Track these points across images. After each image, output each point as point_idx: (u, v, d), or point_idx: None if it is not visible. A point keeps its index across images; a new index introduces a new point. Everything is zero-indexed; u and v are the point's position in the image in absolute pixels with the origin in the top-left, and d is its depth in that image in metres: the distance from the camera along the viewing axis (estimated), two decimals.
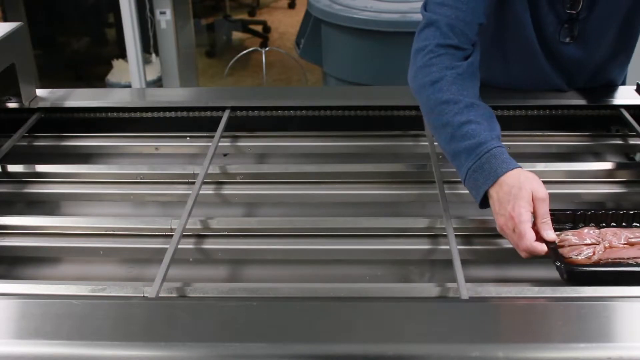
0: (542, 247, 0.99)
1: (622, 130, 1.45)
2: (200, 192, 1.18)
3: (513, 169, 1.04)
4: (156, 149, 1.46)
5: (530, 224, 1.00)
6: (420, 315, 0.84)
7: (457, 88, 1.13)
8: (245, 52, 4.15)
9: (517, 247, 1.01)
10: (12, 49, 1.42)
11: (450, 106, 1.11)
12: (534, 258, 0.99)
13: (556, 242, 1.01)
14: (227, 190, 1.28)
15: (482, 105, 1.14)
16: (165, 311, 0.85)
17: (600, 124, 1.47)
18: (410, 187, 1.27)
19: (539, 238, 1.00)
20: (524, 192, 1.01)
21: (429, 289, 1.00)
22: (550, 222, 1.01)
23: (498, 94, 1.51)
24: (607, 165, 1.33)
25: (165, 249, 1.01)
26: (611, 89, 1.48)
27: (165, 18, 3.70)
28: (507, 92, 1.53)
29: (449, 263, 0.99)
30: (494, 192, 1.04)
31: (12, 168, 1.33)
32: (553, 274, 0.98)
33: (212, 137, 1.36)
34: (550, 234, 1.00)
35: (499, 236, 1.12)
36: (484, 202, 1.06)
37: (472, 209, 1.27)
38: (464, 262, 0.98)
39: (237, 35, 5.49)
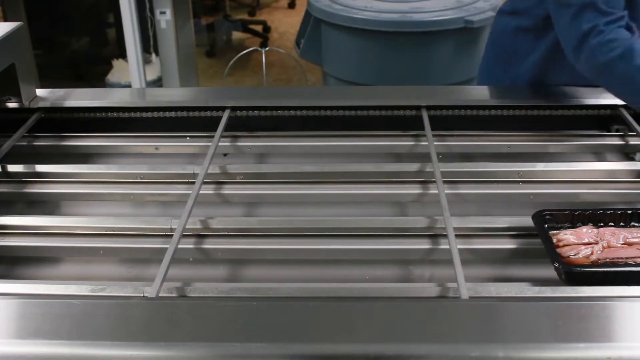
0: None
1: (622, 130, 1.45)
2: (200, 192, 1.18)
3: None
4: (156, 149, 1.46)
5: None
6: (420, 315, 0.84)
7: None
8: (245, 52, 4.15)
9: None
10: (12, 49, 1.42)
11: None
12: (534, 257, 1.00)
13: None
14: (227, 190, 1.28)
15: None
16: (165, 311, 0.85)
17: (600, 124, 1.48)
18: (410, 187, 1.27)
19: None
20: None
21: (429, 289, 1.00)
22: None
23: (498, 94, 1.51)
24: (607, 166, 1.33)
25: (165, 249, 1.01)
26: None
27: (165, 18, 3.70)
28: (507, 92, 1.53)
29: (449, 263, 0.99)
30: None
31: (12, 168, 1.33)
32: (553, 273, 0.98)
33: (212, 137, 1.36)
34: None
35: (499, 236, 1.13)
36: None
37: (472, 208, 1.28)
38: (464, 262, 0.98)
39: (237, 35, 5.49)
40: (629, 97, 1.34)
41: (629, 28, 1.32)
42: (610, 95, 1.45)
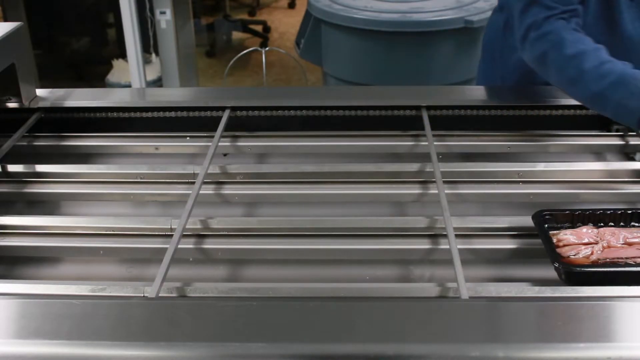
0: None
1: (622, 130, 1.45)
2: (200, 192, 1.18)
3: None
4: (156, 149, 1.46)
5: None
6: (420, 315, 0.84)
7: (576, 39, 1.27)
8: (245, 52, 4.15)
9: None
10: (12, 49, 1.42)
11: (579, 57, 1.24)
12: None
13: None
14: (227, 190, 1.28)
15: (602, 47, 1.26)
16: (165, 311, 0.85)
17: (601, 124, 1.47)
18: (410, 187, 1.27)
19: None
20: None
21: (429, 289, 1.00)
22: None
23: (498, 94, 1.51)
24: (607, 166, 1.33)
25: (165, 249, 1.01)
26: None
27: (165, 18, 3.70)
28: (507, 92, 1.53)
29: (449, 263, 0.99)
30: None
31: (12, 168, 1.33)
32: (553, 273, 0.98)
33: (212, 137, 1.36)
34: None
35: (499, 236, 1.13)
36: None
37: (472, 208, 1.28)
38: (464, 262, 0.98)
39: (237, 35, 5.50)
40: (564, 87, 1.33)
41: (578, 23, 1.32)
42: None
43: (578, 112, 1.46)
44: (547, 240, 1.01)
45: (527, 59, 1.37)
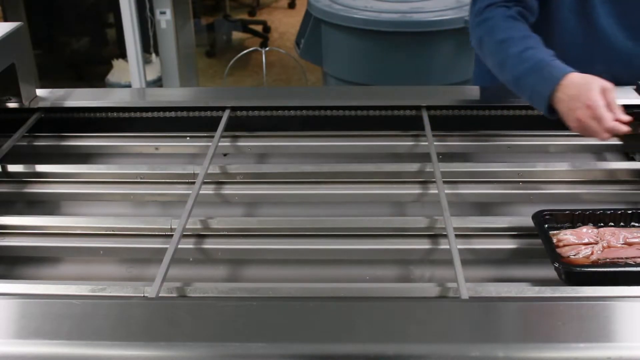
0: (622, 126, 1.11)
1: None
2: (200, 192, 1.18)
3: (572, 72, 1.17)
4: (156, 149, 1.46)
5: (606, 109, 1.11)
6: (420, 315, 0.84)
7: (509, 26, 1.30)
8: (245, 52, 4.15)
9: (597, 133, 1.12)
10: (12, 49, 1.42)
11: (507, 42, 1.28)
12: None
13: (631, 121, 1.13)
14: (227, 190, 1.28)
15: (534, 35, 1.29)
16: (165, 311, 0.85)
17: None
18: (410, 187, 1.27)
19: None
20: (594, 85, 1.13)
21: (429, 289, 1.00)
22: (620, 107, 1.13)
23: (498, 94, 1.51)
24: (607, 165, 1.33)
25: (165, 249, 1.01)
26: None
27: (165, 18, 3.70)
28: (507, 91, 1.53)
29: (449, 263, 0.99)
30: (561, 94, 1.16)
31: (12, 168, 1.33)
32: (553, 273, 0.98)
33: (212, 137, 1.36)
34: (624, 116, 1.12)
35: (499, 236, 1.13)
36: (552, 110, 1.19)
37: (472, 209, 1.28)
38: (464, 262, 0.98)
39: (237, 35, 5.49)
40: (495, 72, 1.34)
41: (522, 13, 1.34)
42: None
43: None
44: (547, 240, 1.01)
45: (472, 44, 1.41)
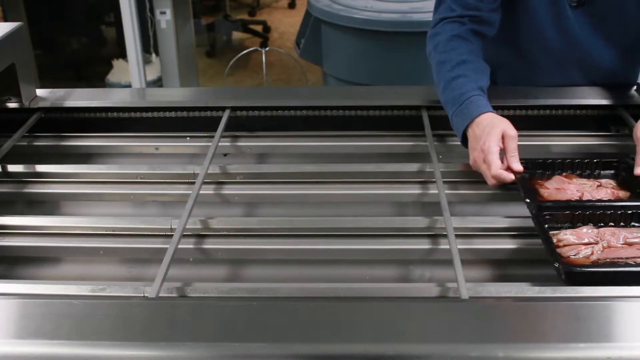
0: (509, 175, 1.16)
1: (621, 130, 1.45)
2: (200, 192, 1.18)
3: (487, 112, 1.22)
4: (156, 149, 1.46)
5: (497, 156, 1.16)
6: (420, 315, 0.84)
7: (451, 47, 1.33)
8: (245, 52, 4.16)
9: (486, 177, 1.18)
10: (12, 49, 1.42)
11: (445, 65, 1.32)
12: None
13: (521, 172, 1.17)
14: (227, 190, 1.28)
15: (474, 60, 1.32)
16: (165, 311, 0.85)
17: (600, 124, 1.47)
18: (410, 187, 1.27)
19: (509, 170, 1.17)
20: (496, 130, 1.18)
21: (429, 289, 1.00)
22: (517, 156, 1.18)
23: (498, 94, 1.51)
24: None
25: (165, 249, 1.01)
26: (611, 88, 1.48)
27: (165, 18, 3.70)
28: (507, 92, 1.53)
29: (449, 263, 0.99)
30: (470, 131, 1.23)
31: (12, 168, 1.33)
32: (553, 273, 0.98)
33: (212, 137, 1.36)
34: (517, 165, 1.17)
35: (499, 236, 1.13)
36: (465, 142, 1.25)
37: (472, 208, 1.28)
38: (464, 262, 0.98)
39: (237, 35, 5.50)
40: (437, 86, 1.37)
41: (474, 30, 1.36)
42: (610, 95, 1.46)
43: (578, 112, 1.47)
44: (547, 240, 1.01)
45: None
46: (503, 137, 1.18)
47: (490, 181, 1.17)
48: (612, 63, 1.46)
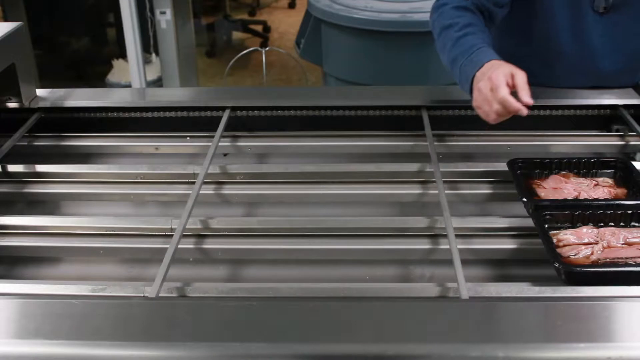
0: (516, 102, 1.12)
1: (622, 130, 1.45)
2: (200, 192, 1.18)
3: (496, 59, 1.21)
4: (156, 149, 1.46)
5: (505, 84, 1.13)
6: (420, 315, 0.84)
7: (457, 14, 1.34)
8: (245, 52, 4.15)
9: (490, 104, 1.15)
10: (12, 49, 1.42)
11: (452, 27, 1.32)
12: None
13: (530, 105, 1.14)
14: (227, 190, 1.28)
15: (480, 25, 1.34)
16: (165, 311, 0.85)
17: (600, 124, 1.48)
18: (410, 187, 1.27)
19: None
20: (504, 67, 1.17)
21: (429, 289, 1.00)
22: (528, 91, 1.14)
23: None
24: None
25: (165, 249, 1.01)
26: (611, 88, 1.48)
27: (165, 18, 3.70)
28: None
29: (449, 263, 0.99)
30: (479, 73, 1.21)
31: (12, 168, 1.33)
32: (553, 273, 0.98)
33: (212, 137, 1.36)
34: (528, 98, 1.13)
35: (499, 236, 1.13)
36: (471, 91, 1.23)
37: (472, 208, 1.28)
38: (464, 262, 0.98)
39: (237, 35, 5.49)
40: (440, 55, 1.38)
41: (478, 6, 1.38)
42: (610, 95, 1.46)
43: (578, 112, 1.47)
44: (547, 240, 1.01)
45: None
46: (512, 75, 1.15)
47: (494, 111, 1.15)
48: (618, 70, 1.47)
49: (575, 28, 1.42)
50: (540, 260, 1.05)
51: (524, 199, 1.11)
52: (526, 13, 1.44)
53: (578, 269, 0.96)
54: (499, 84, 1.13)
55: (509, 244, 1.11)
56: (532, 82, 1.47)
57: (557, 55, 1.46)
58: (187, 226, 1.10)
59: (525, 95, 1.13)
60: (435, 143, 1.34)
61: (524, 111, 1.12)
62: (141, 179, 1.30)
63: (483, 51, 1.25)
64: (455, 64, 1.29)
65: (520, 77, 1.15)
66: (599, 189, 1.16)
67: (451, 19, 1.35)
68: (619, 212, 1.08)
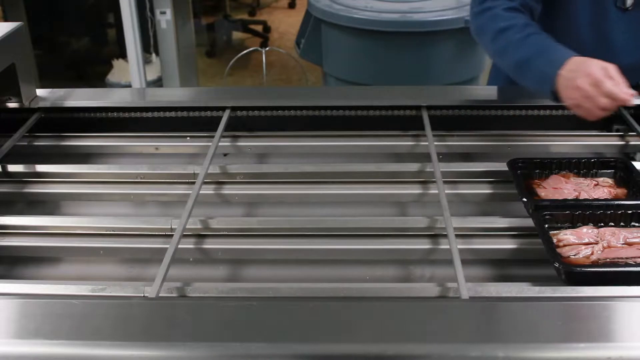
0: (623, 92, 1.11)
1: (622, 130, 1.45)
2: (200, 192, 1.18)
3: (575, 55, 1.19)
4: (156, 148, 1.46)
5: (608, 78, 1.12)
6: (420, 315, 0.84)
7: (511, 16, 1.33)
8: (245, 52, 4.15)
9: (594, 99, 1.13)
10: (12, 49, 1.42)
11: (510, 29, 1.31)
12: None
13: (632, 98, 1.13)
14: (227, 190, 1.28)
15: (535, 24, 1.33)
16: (165, 311, 0.85)
17: (601, 124, 1.47)
18: (410, 187, 1.27)
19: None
20: (595, 61, 1.15)
21: (429, 289, 1.00)
22: (624, 83, 1.13)
23: (499, 94, 1.51)
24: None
25: (165, 249, 1.01)
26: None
27: (165, 18, 3.70)
28: (508, 91, 1.53)
29: (449, 263, 0.99)
30: (563, 72, 1.18)
31: (12, 168, 1.33)
32: (553, 273, 0.98)
33: (212, 137, 1.36)
34: (628, 89, 1.12)
35: (499, 236, 1.13)
36: (552, 93, 1.21)
37: (472, 208, 1.28)
38: (464, 262, 0.98)
39: (237, 35, 5.50)
40: (496, 58, 1.39)
41: (524, 5, 1.37)
42: None
43: None
44: (547, 240, 1.01)
45: (471, 31, 1.44)
46: (606, 69, 1.14)
47: (600, 105, 1.13)
48: (633, 68, 1.46)
49: (598, 25, 1.41)
50: (540, 260, 1.05)
51: (524, 199, 1.11)
52: (547, 10, 1.43)
53: (578, 269, 0.96)
54: (601, 78, 1.12)
55: (509, 244, 1.11)
56: None
57: (579, 52, 1.45)
58: (187, 226, 1.10)
59: (625, 86, 1.13)
60: (435, 143, 1.34)
61: (632, 101, 1.12)
62: (141, 179, 1.30)
63: (559, 49, 1.23)
64: (525, 66, 1.27)
65: (614, 70, 1.14)
66: (599, 189, 1.16)
67: (507, 21, 1.33)
68: (619, 212, 1.08)
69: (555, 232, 1.05)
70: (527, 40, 1.27)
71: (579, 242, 1.01)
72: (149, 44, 3.86)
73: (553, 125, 1.46)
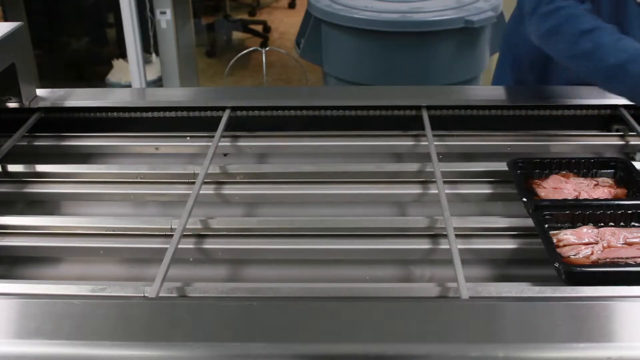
0: None
1: (622, 130, 1.45)
2: (201, 192, 1.18)
3: None
4: (156, 148, 1.46)
5: None
6: (420, 315, 0.84)
7: (593, 17, 1.29)
8: (245, 52, 4.16)
9: None
10: (12, 49, 1.42)
11: (596, 31, 1.27)
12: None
13: None
14: (227, 190, 1.28)
15: (616, 27, 1.29)
16: (165, 311, 0.85)
17: (600, 124, 1.48)
18: (410, 187, 1.27)
19: None
20: None
21: (429, 289, 1.00)
22: None
23: (499, 94, 1.51)
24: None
25: (165, 249, 1.01)
26: None
27: (165, 18, 3.70)
28: (508, 91, 1.53)
29: (449, 263, 0.99)
30: None
31: (12, 168, 1.33)
32: (553, 273, 0.98)
33: (212, 137, 1.36)
34: None
35: (499, 236, 1.13)
36: None
37: (472, 208, 1.28)
38: (464, 262, 0.98)
39: (237, 35, 5.50)
40: (576, 61, 1.34)
41: (588, 7, 1.35)
42: (610, 95, 1.45)
43: (578, 112, 1.46)
44: (547, 240, 1.01)
45: (535, 32, 1.39)
46: None
47: None
48: None
49: (616, 20, 1.39)
50: (540, 260, 1.05)
51: (524, 199, 1.11)
52: None
53: (578, 269, 0.96)
54: None
55: (509, 244, 1.11)
56: (568, 76, 1.46)
57: None
58: (187, 226, 1.10)
59: None
60: (435, 143, 1.34)
61: None
62: (141, 179, 1.30)
63: None
64: (623, 70, 1.24)
65: None
66: (599, 188, 1.16)
67: (589, 23, 1.29)
68: (619, 212, 1.08)
69: (555, 232, 1.05)
70: (620, 44, 1.24)
71: (579, 242, 1.01)
72: (149, 44, 3.87)
73: (553, 125, 1.46)
